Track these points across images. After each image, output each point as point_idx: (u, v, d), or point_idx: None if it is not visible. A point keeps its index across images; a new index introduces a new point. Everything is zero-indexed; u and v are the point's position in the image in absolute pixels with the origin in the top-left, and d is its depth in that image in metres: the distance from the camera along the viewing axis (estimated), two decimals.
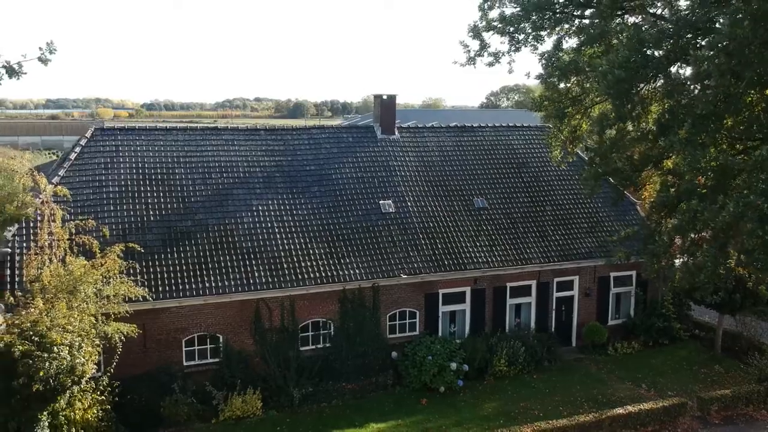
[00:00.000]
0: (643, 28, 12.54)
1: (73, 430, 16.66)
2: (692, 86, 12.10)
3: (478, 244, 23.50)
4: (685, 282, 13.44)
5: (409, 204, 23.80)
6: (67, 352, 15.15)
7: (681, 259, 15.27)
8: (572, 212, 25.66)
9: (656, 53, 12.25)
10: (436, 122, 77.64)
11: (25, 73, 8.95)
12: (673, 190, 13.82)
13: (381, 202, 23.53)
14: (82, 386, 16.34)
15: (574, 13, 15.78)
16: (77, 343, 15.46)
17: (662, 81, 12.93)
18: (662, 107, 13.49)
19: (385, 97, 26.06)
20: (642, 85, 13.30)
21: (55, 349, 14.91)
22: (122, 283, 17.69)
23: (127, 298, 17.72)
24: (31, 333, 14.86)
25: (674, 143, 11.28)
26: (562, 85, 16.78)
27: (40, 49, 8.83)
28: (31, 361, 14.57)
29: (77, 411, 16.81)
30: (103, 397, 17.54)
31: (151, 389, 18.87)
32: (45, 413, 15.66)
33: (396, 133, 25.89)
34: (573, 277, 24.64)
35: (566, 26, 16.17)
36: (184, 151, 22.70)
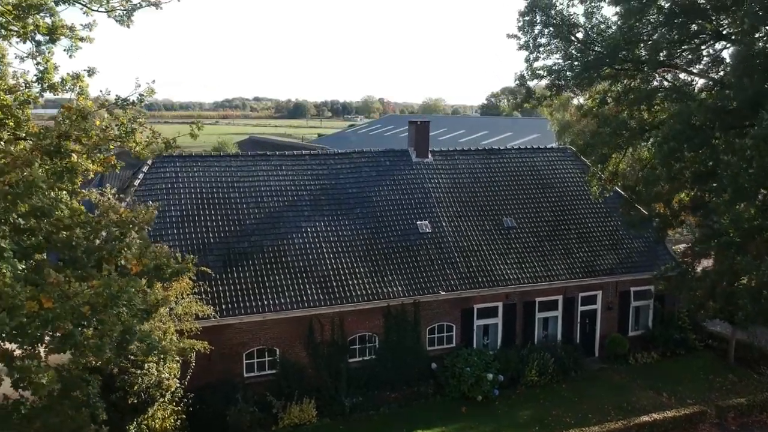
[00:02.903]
0: (690, 103, 14.36)
1: None
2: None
3: (508, 261, 25.24)
4: (723, 317, 15.16)
5: (444, 224, 25.52)
6: (155, 368, 16.91)
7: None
8: (594, 230, 27.39)
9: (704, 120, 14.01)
10: (444, 128, 79.43)
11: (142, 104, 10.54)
12: (715, 242, 15.60)
13: (418, 222, 25.25)
14: (166, 398, 18.05)
15: (615, 67, 17.54)
16: (162, 360, 17.18)
17: (707, 148, 14.73)
18: (699, 163, 15.31)
19: (419, 123, 27.83)
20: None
21: (146, 365, 16.65)
22: (194, 303, 19.38)
23: (197, 316, 19.40)
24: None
25: (719, 205, 13.09)
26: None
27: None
28: (126, 377, 16.31)
29: (157, 420, 18.53)
30: (178, 407, 19.25)
31: (217, 399, 20.58)
32: (134, 423, 17.40)
33: (429, 156, 27.63)
34: (596, 292, 26.41)
35: (607, 79, 17.95)
36: (237, 177, 24.41)
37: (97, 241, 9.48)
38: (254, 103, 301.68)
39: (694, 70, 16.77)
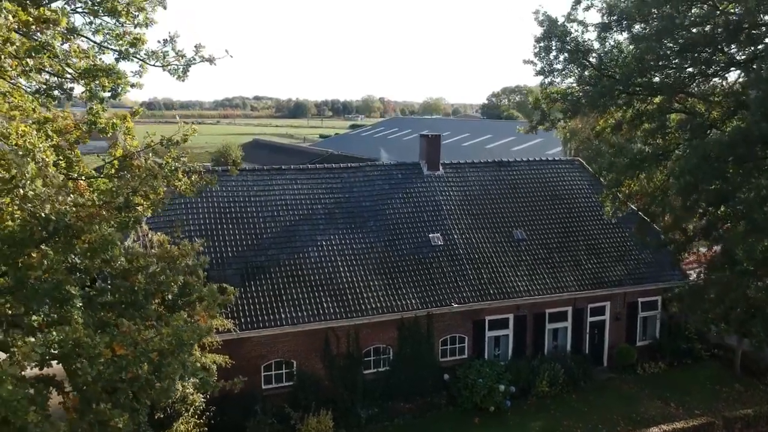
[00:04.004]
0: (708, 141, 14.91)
1: None
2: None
3: (519, 273, 25.71)
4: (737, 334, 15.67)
5: (455, 237, 25.98)
6: (180, 383, 17.32)
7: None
8: (602, 242, 27.86)
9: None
10: (448, 132, 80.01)
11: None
12: (728, 269, 16.15)
13: (430, 235, 25.72)
14: (189, 412, 18.53)
15: (628, 91, 18.03)
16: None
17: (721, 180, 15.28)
18: (713, 190, 15.85)
19: (430, 136, 28.30)
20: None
21: None
22: (216, 318, 19.79)
23: (217, 330, 19.84)
24: None
25: (734, 235, 13.61)
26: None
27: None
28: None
29: None
30: (200, 420, 19.71)
31: (237, 411, 21.07)
32: None
33: (440, 169, 28.10)
34: (605, 303, 26.88)
35: (621, 104, 18.48)
36: (253, 191, 24.87)
37: (153, 285, 9.96)
38: (255, 102, 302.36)
39: (708, 98, 17.27)
